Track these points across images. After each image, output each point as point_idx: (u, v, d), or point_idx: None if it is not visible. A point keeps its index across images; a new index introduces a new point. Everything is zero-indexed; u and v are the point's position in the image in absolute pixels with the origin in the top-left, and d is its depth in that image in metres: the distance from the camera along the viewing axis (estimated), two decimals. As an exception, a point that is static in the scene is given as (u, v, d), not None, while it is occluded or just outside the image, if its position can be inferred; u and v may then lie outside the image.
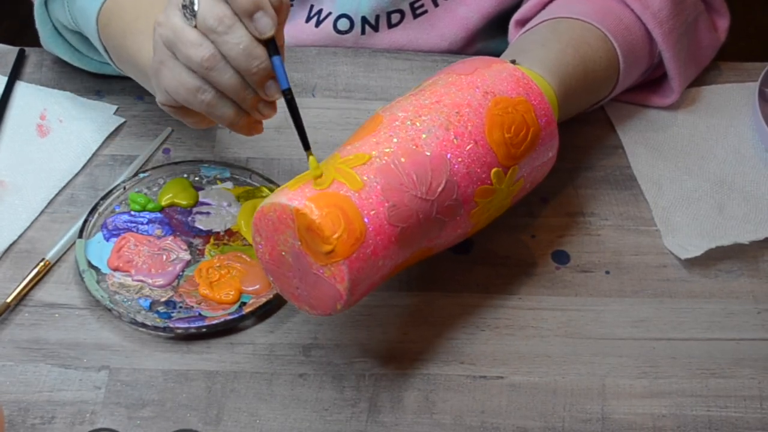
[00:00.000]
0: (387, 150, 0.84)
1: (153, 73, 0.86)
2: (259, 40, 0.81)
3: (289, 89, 0.82)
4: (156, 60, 0.85)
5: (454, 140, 0.85)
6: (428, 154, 0.84)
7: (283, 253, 0.82)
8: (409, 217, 0.83)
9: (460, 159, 0.85)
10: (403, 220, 0.82)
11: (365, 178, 0.82)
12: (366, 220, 0.80)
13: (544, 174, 0.93)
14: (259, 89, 0.83)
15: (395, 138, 0.84)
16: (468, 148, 0.85)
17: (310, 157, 0.82)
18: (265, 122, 1.08)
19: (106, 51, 0.99)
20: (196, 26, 0.81)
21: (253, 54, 0.81)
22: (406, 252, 0.84)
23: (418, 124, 0.85)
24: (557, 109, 0.93)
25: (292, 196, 0.80)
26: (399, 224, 0.82)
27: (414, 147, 0.84)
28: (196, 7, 0.81)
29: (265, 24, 0.80)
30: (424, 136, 0.85)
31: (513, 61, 0.93)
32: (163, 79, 0.85)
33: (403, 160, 0.83)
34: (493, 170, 0.87)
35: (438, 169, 0.84)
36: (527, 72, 0.92)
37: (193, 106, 0.85)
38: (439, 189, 0.84)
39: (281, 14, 0.82)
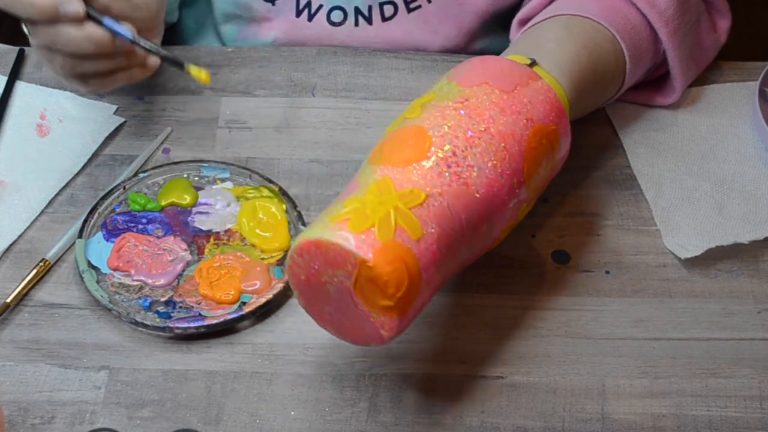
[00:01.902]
0: (441, 189, 0.82)
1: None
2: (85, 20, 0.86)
3: (133, 38, 0.88)
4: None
5: (501, 180, 0.84)
6: (478, 195, 0.83)
7: (327, 285, 0.80)
8: (453, 258, 0.82)
9: (502, 200, 0.84)
10: (447, 263, 0.82)
11: (423, 224, 0.80)
12: (423, 271, 0.79)
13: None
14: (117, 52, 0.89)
15: (447, 173, 0.82)
16: (509, 188, 0.85)
17: (190, 68, 0.89)
18: (264, 122, 1.08)
19: None
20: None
21: (88, 38, 0.86)
22: (438, 288, 0.84)
23: (469, 158, 0.83)
24: (569, 112, 0.93)
25: (359, 244, 0.77)
26: (443, 267, 0.81)
27: (465, 187, 0.83)
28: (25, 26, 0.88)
29: (72, 9, 0.84)
30: (474, 174, 0.83)
31: (533, 62, 0.92)
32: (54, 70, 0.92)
33: (456, 202, 0.82)
34: (522, 206, 0.87)
35: (485, 212, 0.84)
36: (545, 77, 0.91)
37: (93, 90, 0.94)
38: (481, 232, 0.84)
39: None
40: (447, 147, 0.83)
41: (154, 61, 0.91)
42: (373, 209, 0.79)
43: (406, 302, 0.78)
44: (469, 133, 0.84)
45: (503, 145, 0.85)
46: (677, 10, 1.02)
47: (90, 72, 0.89)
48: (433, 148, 0.83)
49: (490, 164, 0.84)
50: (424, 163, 0.82)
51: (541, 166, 0.87)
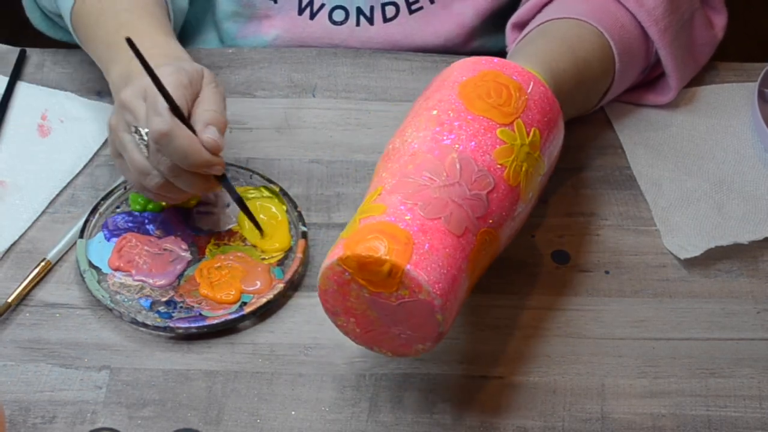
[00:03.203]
0: (390, 173, 0.84)
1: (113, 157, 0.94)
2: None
3: (239, 197, 0.95)
4: (112, 152, 0.93)
5: (444, 127, 0.85)
6: (427, 150, 0.84)
7: (367, 312, 0.81)
8: (445, 205, 0.82)
9: (460, 137, 0.85)
10: (441, 210, 0.81)
11: (384, 202, 0.82)
12: (403, 226, 0.80)
13: (558, 123, 0.91)
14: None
15: (394, 165, 0.85)
16: (461, 126, 0.85)
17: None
18: (265, 123, 1.09)
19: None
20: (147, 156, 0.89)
21: (205, 185, 0.92)
22: (469, 239, 0.82)
23: (406, 139, 0.86)
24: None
25: (331, 256, 0.80)
26: (439, 215, 0.81)
27: (411, 156, 0.84)
28: (145, 138, 0.88)
29: (217, 172, 0.91)
30: (415, 145, 0.85)
31: None
32: (120, 169, 0.93)
33: (410, 167, 0.83)
34: (498, 130, 0.86)
35: (444, 155, 0.84)
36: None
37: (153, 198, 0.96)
38: (457, 170, 0.83)
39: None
40: (388, 154, 0.87)
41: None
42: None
43: (402, 253, 0.78)
44: (398, 130, 0.88)
45: (433, 111, 0.87)
46: (667, 8, 1.03)
47: (171, 194, 0.93)
48: (378, 165, 0.87)
49: (426, 129, 0.86)
50: (375, 177, 0.86)
51: (494, 96, 0.87)
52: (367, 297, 0.80)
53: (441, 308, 0.79)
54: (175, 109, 0.87)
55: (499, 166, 0.85)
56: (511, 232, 0.88)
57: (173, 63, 0.90)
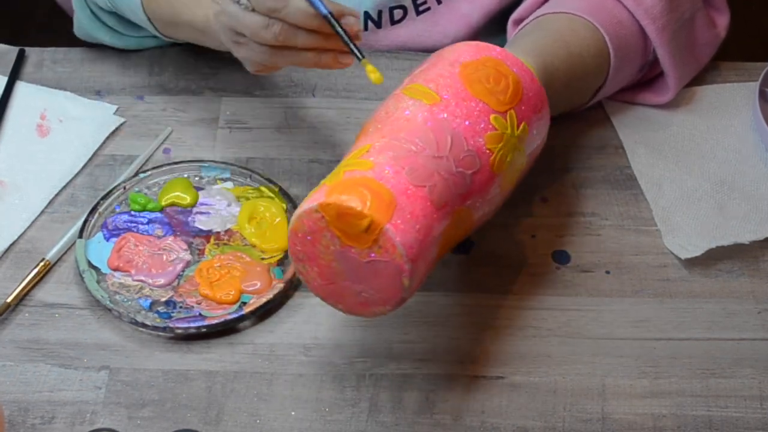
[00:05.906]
0: (382, 134, 0.85)
1: (233, 51, 0.94)
2: None
3: (326, 15, 0.87)
4: (229, 41, 0.93)
5: (441, 102, 0.86)
6: (422, 120, 0.85)
7: (333, 264, 0.81)
8: (431, 175, 0.82)
9: (455, 114, 0.86)
10: (427, 179, 0.82)
11: (372, 159, 0.82)
12: (389, 186, 0.80)
13: (545, 122, 0.92)
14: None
15: (386, 126, 0.85)
16: (457, 104, 0.86)
17: (366, 65, 0.87)
18: (264, 122, 1.08)
19: (150, 22, 1.02)
20: (254, 9, 0.88)
21: (311, 12, 0.87)
22: (447, 213, 0.83)
23: (402, 104, 0.86)
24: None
25: (311, 200, 0.80)
26: (424, 183, 0.82)
27: (405, 122, 0.85)
28: None
29: None
30: (408, 112, 0.85)
31: None
32: (243, 54, 0.93)
33: (402, 134, 0.84)
34: (492, 116, 0.87)
35: (438, 128, 0.85)
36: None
37: (280, 64, 0.93)
38: (448, 144, 0.84)
39: None
40: (382, 113, 0.87)
41: (347, 61, 0.91)
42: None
43: (384, 211, 0.79)
44: (395, 94, 0.88)
45: (432, 85, 0.87)
46: (665, 7, 1.02)
47: (299, 44, 0.89)
48: (370, 121, 0.87)
49: (424, 97, 0.86)
50: (364, 135, 0.86)
51: (493, 83, 0.88)
52: (337, 248, 0.80)
53: (410, 273, 0.80)
54: None
55: (487, 150, 0.86)
56: (482, 217, 0.89)
57: None
